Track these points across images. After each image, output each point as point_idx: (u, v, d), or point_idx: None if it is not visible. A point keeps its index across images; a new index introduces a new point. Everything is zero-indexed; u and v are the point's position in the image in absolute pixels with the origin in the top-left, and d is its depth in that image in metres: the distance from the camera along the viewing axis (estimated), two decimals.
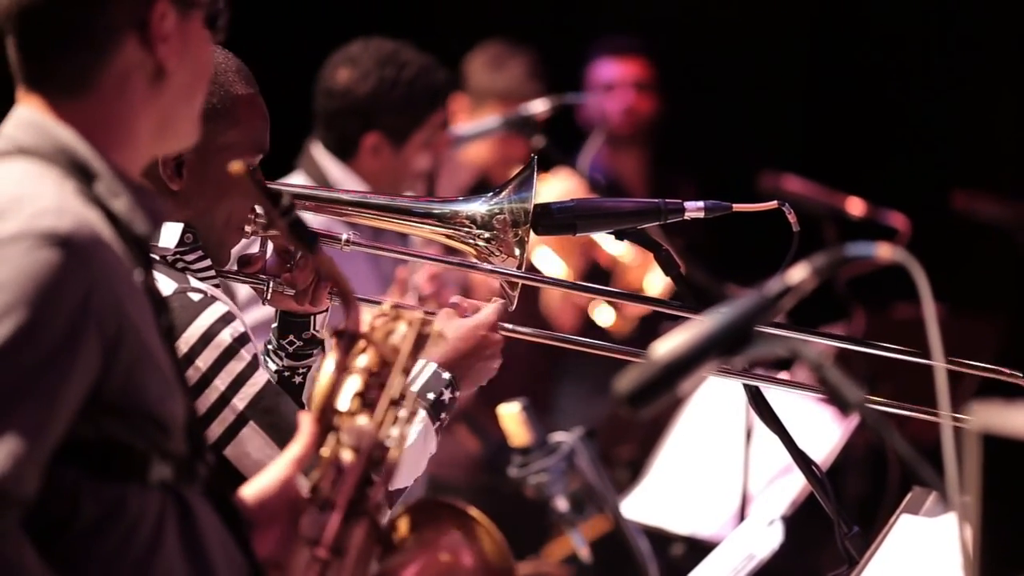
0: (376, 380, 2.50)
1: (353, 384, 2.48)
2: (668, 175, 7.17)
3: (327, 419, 2.45)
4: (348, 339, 2.47)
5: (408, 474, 3.13)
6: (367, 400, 2.48)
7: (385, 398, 2.49)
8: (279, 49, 5.23)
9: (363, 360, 2.50)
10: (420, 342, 2.55)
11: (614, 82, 7.09)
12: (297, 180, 5.04)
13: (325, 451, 2.45)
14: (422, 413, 3.14)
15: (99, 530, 2.23)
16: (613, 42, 7.16)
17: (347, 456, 2.44)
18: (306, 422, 2.44)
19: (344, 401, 2.46)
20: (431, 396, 3.16)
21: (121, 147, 2.32)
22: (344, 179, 5.02)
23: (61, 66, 2.31)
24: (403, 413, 2.50)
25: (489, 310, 3.24)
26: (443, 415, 3.18)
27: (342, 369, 2.46)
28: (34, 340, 2.15)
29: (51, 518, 2.20)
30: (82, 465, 2.22)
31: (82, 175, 2.27)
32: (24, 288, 2.14)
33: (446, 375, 3.19)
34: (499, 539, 2.55)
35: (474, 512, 2.56)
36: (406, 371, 2.53)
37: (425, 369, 3.19)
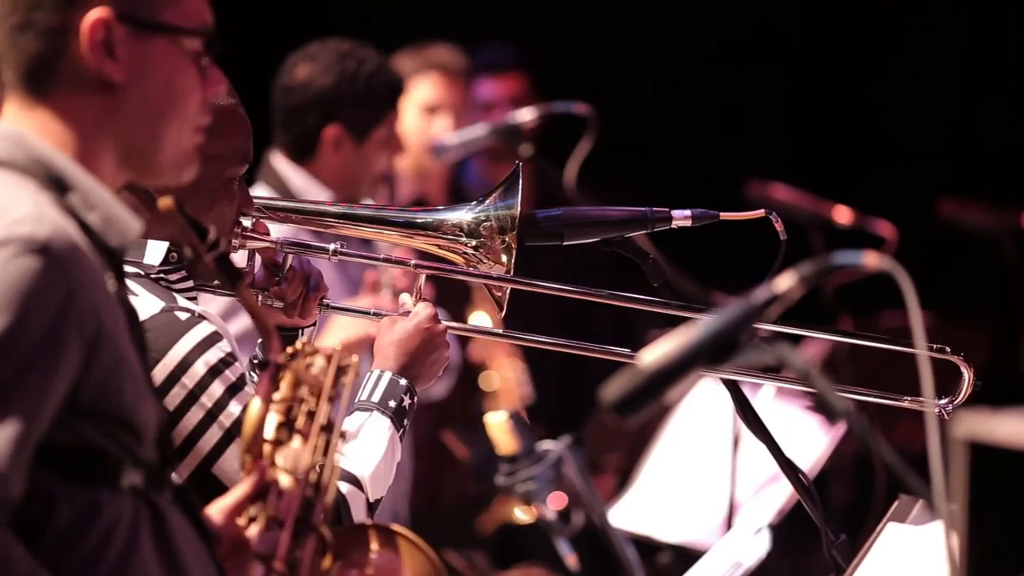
0: (303, 408, 2.53)
1: (279, 414, 2.51)
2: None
3: (257, 450, 2.48)
4: (273, 370, 2.51)
5: (381, 485, 3.15)
6: (295, 429, 2.51)
7: (316, 424, 2.53)
8: (235, 61, 5.23)
9: (286, 391, 2.53)
10: (341, 372, 2.59)
11: (493, 101, 7.01)
12: (259, 191, 5.03)
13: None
14: (387, 422, 3.16)
15: (74, 534, 2.25)
16: (488, 58, 7.06)
17: (284, 479, 2.47)
18: (247, 469, 2.48)
19: (271, 431, 2.50)
20: (392, 404, 3.18)
21: (86, 158, 2.34)
22: (307, 187, 5.02)
23: (20, 59, 2.32)
24: (333, 439, 2.53)
25: (424, 305, 3.26)
26: (406, 421, 3.20)
27: (268, 400, 2.50)
28: (16, 344, 2.19)
29: (26, 522, 2.21)
30: (57, 469, 2.24)
31: (57, 187, 2.30)
32: (5, 295, 2.18)
33: (403, 381, 3.20)
34: (432, 556, 2.55)
35: (401, 530, 2.56)
36: (331, 400, 2.56)
37: (381, 379, 3.20)
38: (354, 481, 3.10)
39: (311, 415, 2.52)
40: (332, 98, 4.98)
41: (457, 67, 6.21)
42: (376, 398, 3.18)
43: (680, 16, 8.01)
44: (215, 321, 3.09)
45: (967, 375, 3.27)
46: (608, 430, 5.85)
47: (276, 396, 2.52)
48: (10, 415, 2.18)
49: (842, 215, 6.50)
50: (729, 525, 4.86)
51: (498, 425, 4.62)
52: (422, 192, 6.15)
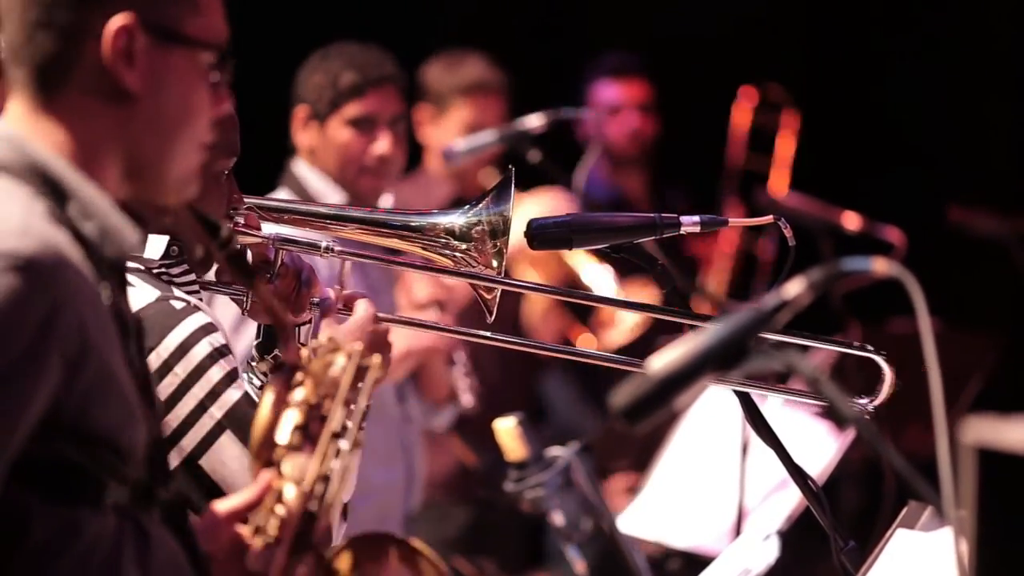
0: (316, 413, 2.44)
1: (292, 418, 2.42)
2: (666, 190, 7.18)
3: (267, 454, 2.39)
4: (287, 372, 2.42)
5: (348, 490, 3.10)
6: (307, 433, 2.42)
7: (327, 431, 2.43)
8: (264, 74, 5.27)
9: (301, 393, 2.44)
10: (360, 374, 2.49)
11: (619, 104, 7.08)
12: (281, 195, 5.08)
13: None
14: None
15: (51, 553, 2.17)
16: (615, 62, 7.14)
17: (289, 491, 2.39)
18: (256, 475, 2.39)
19: (284, 435, 2.40)
20: None
21: (90, 166, 2.28)
22: (323, 188, 5.10)
23: (34, 57, 2.27)
24: (345, 445, 2.43)
25: (363, 305, 3.17)
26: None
27: (281, 403, 2.41)
28: None
29: None
30: (33, 487, 2.17)
31: (54, 195, 2.24)
32: None
33: None
34: (444, 571, 2.52)
35: (418, 544, 2.51)
36: (347, 403, 2.47)
37: None
38: None
39: (324, 420, 2.43)
40: (299, 83, 5.20)
41: (493, 83, 6.23)
42: None
43: (686, 20, 8.02)
44: (210, 313, 3.07)
45: (888, 375, 3.25)
46: (617, 436, 5.86)
47: (292, 398, 2.42)
48: None
49: (851, 221, 6.50)
50: (738, 531, 4.86)
51: (507, 431, 4.61)
52: (461, 193, 6.15)
